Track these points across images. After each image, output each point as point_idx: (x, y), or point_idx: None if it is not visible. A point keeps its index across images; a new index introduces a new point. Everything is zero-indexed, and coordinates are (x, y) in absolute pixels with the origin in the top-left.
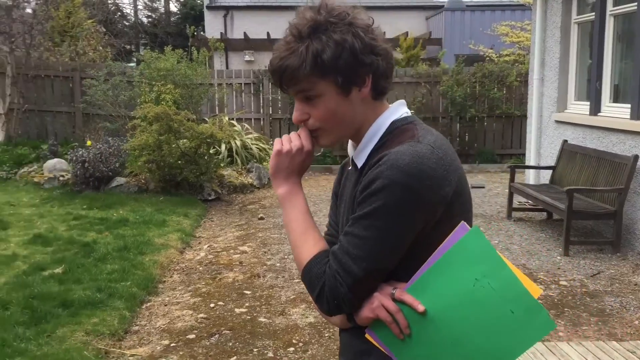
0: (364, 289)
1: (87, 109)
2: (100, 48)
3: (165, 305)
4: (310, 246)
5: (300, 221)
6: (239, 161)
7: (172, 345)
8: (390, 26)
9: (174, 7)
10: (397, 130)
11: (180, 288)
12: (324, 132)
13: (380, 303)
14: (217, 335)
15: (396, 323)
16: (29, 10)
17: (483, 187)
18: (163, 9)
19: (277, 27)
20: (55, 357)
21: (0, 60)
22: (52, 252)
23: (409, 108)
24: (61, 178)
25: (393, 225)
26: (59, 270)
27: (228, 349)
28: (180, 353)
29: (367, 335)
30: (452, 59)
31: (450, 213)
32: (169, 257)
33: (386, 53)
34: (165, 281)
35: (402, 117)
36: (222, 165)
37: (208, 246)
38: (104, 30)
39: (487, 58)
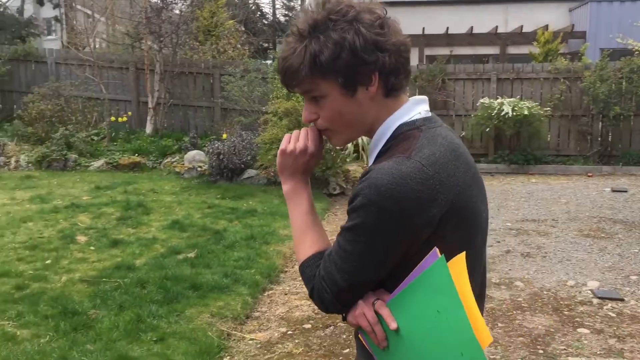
0: (348, 297)
1: (225, 103)
2: (239, 46)
3: (285, 294)
4: (307, 247)
5: (300, 220)
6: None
7: (288, 332)
8: (528, 19)
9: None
10: (401, 135)
11: (300, 278)
12: (333, 132)
13: (362, 312)
14: (332, 327)
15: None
16: (176, 12)
17: (626, 192)
18: (299, 7)
19: (408, 23)
20: (182, 336)
21: (150, 58)
22: (186, 237)
23: (545, 105)
24: (199, 169)
25: (374, 243)
26: (191, 254)
27: (342, 342)
28: (296, 341)
29: (359, 336)
30: (597, 54)
31: (441, 233)
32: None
33: (395, 48)
34: (287, 271)
35: (411, 120)
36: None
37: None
38: (244, 29)
39: (636, 52)
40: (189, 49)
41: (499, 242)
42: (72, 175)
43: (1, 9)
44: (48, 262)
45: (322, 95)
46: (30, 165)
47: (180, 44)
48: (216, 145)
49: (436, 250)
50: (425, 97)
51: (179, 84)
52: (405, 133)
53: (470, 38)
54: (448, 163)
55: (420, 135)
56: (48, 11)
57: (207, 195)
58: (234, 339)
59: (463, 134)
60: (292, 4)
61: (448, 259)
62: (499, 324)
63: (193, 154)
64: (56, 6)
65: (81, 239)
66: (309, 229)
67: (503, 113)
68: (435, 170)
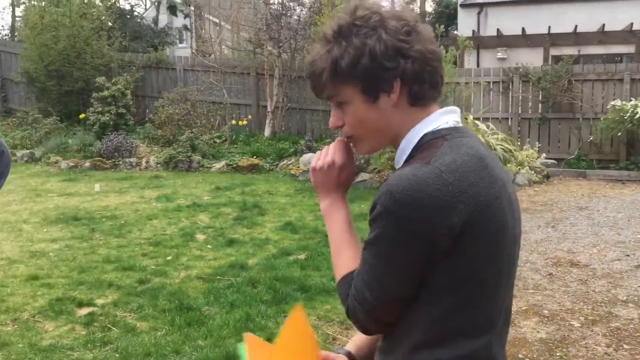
0: (381, 315)
1: None
2: None
3: None
4: (343, 265)
5: (336, 238)
6: None
7: None
8: None
9: (429, 7)
10: (425, 145)
11: None
12: (358, 140)
13: None
14: None
15: None
16: (295, 17)
17: None
18: (418, 9)
19: (533, 22)
20: None
21: (269, 63)
22: (298, 239)
23: None
24: None
25: (394, 254)
26: (302, 256)
27: None
28: None
29: None
30: None
31: (461, 246)
32: None
33: (421, 55)
34: None
35: (436, 129)
36: None
37: None
38: None
39: None
40: (307, 53)
41: (628, 255)
42: (195, 175)
43: (139, 20)
44: (169, 258)
45: (344, 101)
46: (158, 165)
47: (299, 49)
48: None
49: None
50: (455, 108)
51: (296, 88)
52: (429, 142)
53: (602, 36)
54: (471, 172)
55: (444, 144)
56: (180, 21)
57: None
58: (339, 343)
59: (591, 138)
60: (411, 6)
61: (470, 274)
62: (625, 345)
63: (308, 157)
64: (187, 16)
65: (200, 237)
66: (344, 246)
67: (637, 116)
68: (456, 178)
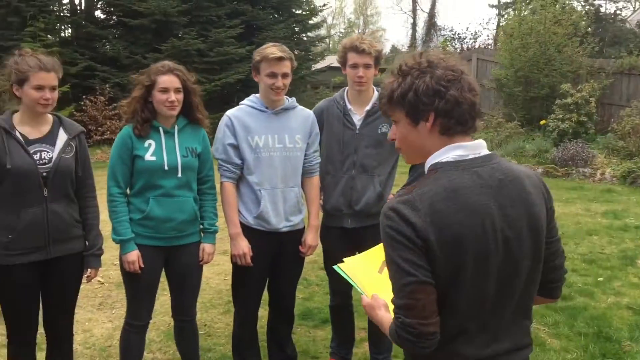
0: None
1: None
2: None
3: None
4: None
5: None
6: None
7: None
8: None
9: None
10: (428, 170)
11: None
12: (403, 152)
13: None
14: None
15: None
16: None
17: None
18: None
19: None
20: None
21: None
22: None
23: None
24: None
25: (395, 263)
26: None
27: None
28: None
29: None
30: None
31: (434, 257)
32: None
33: (454, 99)
34: None
35: (437, 161)
36: None
37: None
38: None
39: None
40: None
41: None
42: None
43: (621, 24)
44: (600, 279)
45: (396, 120)
46: (614, 179)
47: None
48: None
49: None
50: (462, 144)
51: None
52: (429, 173)
53: None
54: (436, 202)
55: (432, 177)
56: None
57: None
58: None
59: None
60: None
61: (440, 278)
62: None
63: None
64: None
65: None
66: None
67: None
68: (422, 204)
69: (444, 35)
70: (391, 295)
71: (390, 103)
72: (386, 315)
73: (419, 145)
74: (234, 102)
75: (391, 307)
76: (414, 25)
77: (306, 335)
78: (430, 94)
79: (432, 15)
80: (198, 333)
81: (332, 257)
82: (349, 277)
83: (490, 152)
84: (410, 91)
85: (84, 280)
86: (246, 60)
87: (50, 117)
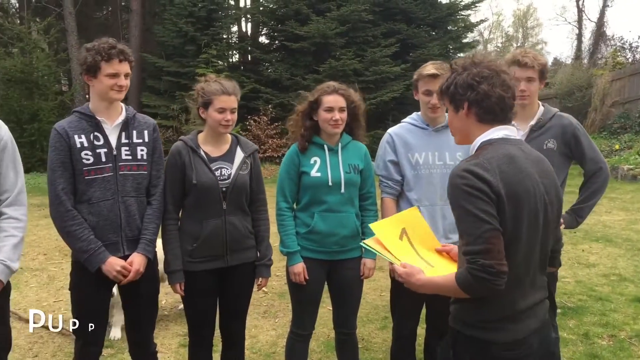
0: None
1: None
2: None
3: None
4: None
5: None
6: None
7: None
8: None
9: None
10: (481, 147)
11: None
12: (453, 134)
13: None
14: None
15: None
16: None
17: None
18: None
19: None
20: None
21: None
22: None
23: None
24: None
25: (468, 213)
26: None
27: None
28: None
29: None
30: None
31: (502, 206)
32: None
33: (484, 92)
34: None
35: (488, 139)
36: None
37: None
38: None
39: None
40: None
41: None
42: None
43: None
44: None
45: (446, 107)
46: None
47: None
48: None
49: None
50: (507, 126)
51: None
52: (483, 146)
53: None
54: (502, 165)
55: (489, 148)
56: None
57: None
58: None
59: None
60: None
61: (506, 229)
62: None
63: None
64: None
65: None
66: None
67: None
68: (491, 165)
69: (613, 45)
70: (416, 261)
71: (441, 93)
72: (432, 277)
73: (460, 128)
74: (388, 120)
75: (432, 271)
76: (579, 36)
77: None
78: (465, 86)
79: (600, 24)
80: (358, 346)
81: None
82: (377, 251)
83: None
84: (452, 84)
85: (254, 288)
86: (400, 79)
87: (229, 136)
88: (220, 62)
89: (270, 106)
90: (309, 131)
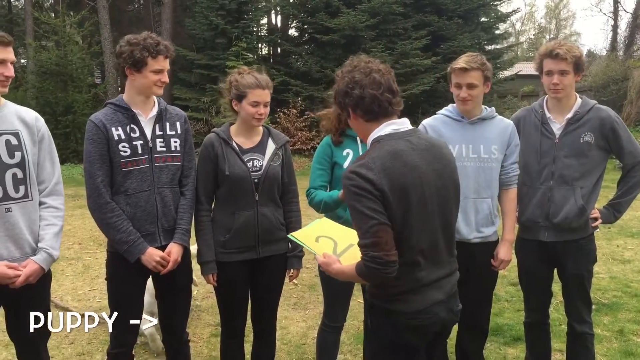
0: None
1: None
2: None
3: None
4: None
5: None
6: None
7: None
8: None
9: None
10: (371, 145)
11: None
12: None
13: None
14: None
15: None
16: None
17: None
18: None
19: None
20: None
21: None
22: None
23: None
24: None
25: (357, 210)
26: None
27: None
28: None
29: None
30: None
31: (388, 202)
32: None
33: (357, 96)
34: None
35: (377, 136)
36: None
37: None
38: None
39: None
40: None
41: None
42: None
43: None
44: None
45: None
46: None
47: None
48: None
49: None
50: (395, 120)
51: None
52: (373, 144)
53: None
54: (386, 162)
55: (377, 145)
56: None
57: None
58: None
59: None
60: None
61: (396, 219)
62: None
63: None
64: None
65: None
66: None
67: None
68: (375, 164)
69: None
70: (333, 249)
71: (334, 103)
72: (344, 265)
73: (357, 129)
74: (418, 113)
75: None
76: (614, 27)
77: (496, 352)
78: (342, 94)
79: (636, 16)
80: None
81: (528, 271)
82: (302, 242)
83: (414, 127)
84: (336, 94)
85: (285, 279)
86: (431, 71)
87: (260, 128)
88: (250, 55)
89: (299, 99)
90: (341, 123)
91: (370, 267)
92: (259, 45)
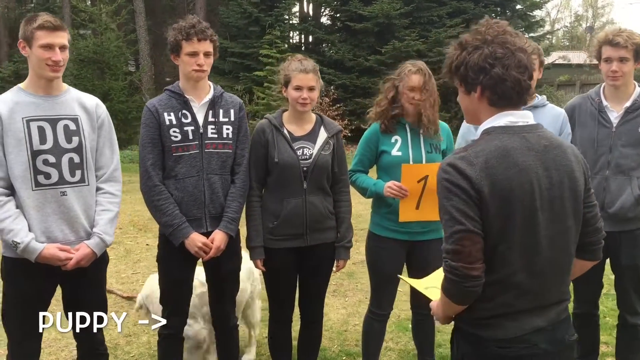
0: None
1: None
2: None
3: None
4: None
5: None
6: None
7: None
8: None
9: None
10: (481, 135)
11: None
12: (464, 113)
13: None
14: None
15: None
16: None
17: None
18: None
19: None
20: None
21: None
22: None
23: None
24: None
25: (449, 206)
26: None
27: None
28: None
29: None
30: None
31: (485, 204)
32: None
33: (497, 76)
34: None
35: (489, 127)
36: None
37: None
38: None
39: None
40: None
41: None
42: None
43: None
44: None
45: (457, 86)
46: None
47: None
48: None
49: None
50: (513, 112)
51: None
52: (482, 135)
53: None
54: (491, 159)
55: (486, 138)
56: None
57: None
58: None
59: None
60: None
61: (492, 229)
62: None
63: None
64: None
65: None
66: None
67: None
68: (478, 159)
69: None
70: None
71: (449, 72)
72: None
73: (472, 110)
74: (452, 102)
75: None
76: None
77: None
78: (477, 69)
79: None
80: (434, 327)
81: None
82: (410, 283)
83: (536, 122)
84: (462, 65)
85: (333, 269)
86: None
87: (313, 115)
88: (282, 43)
89: (332, 87)
90: (393, 111)
91: (448, 279)
92: (291, 33)
